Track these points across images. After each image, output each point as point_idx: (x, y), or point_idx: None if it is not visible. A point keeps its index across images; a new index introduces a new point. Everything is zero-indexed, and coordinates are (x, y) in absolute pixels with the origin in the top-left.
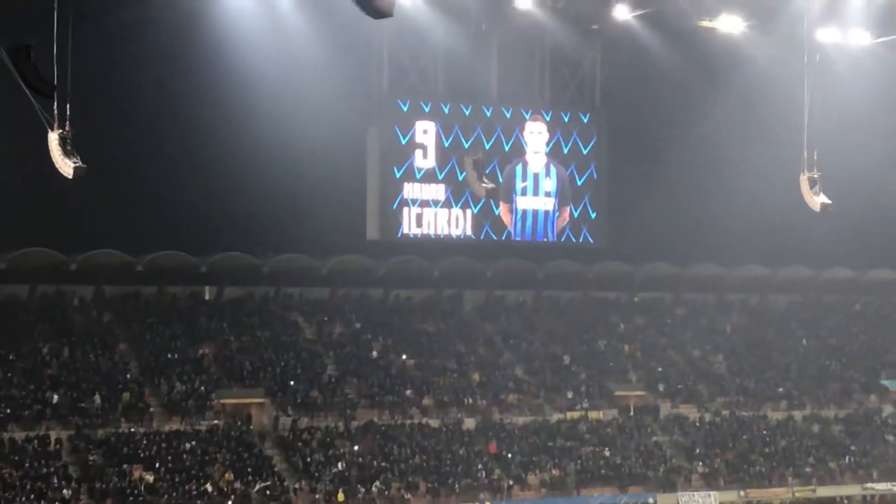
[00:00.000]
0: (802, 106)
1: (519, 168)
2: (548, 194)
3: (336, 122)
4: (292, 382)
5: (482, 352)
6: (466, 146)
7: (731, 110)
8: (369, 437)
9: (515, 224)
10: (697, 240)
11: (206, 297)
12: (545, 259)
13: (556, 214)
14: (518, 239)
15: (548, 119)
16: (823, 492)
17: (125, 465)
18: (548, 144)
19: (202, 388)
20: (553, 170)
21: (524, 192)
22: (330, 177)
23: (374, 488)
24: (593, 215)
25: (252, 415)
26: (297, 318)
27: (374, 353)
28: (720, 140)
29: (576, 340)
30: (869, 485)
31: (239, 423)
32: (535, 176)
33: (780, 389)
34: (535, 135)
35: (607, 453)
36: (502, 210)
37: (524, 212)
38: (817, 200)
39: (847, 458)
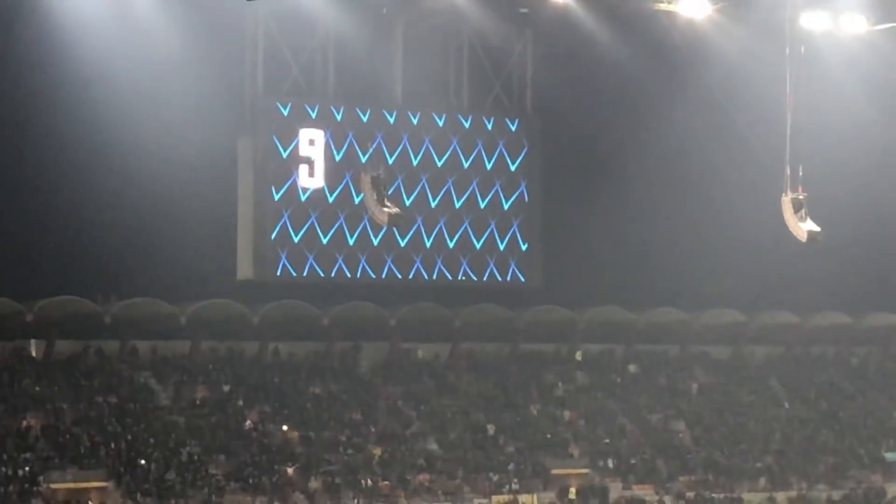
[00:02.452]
0: (784, 109)
1: None
2: None
3: (198, 131)
4: (142, 461)
5: (384, 420)
6: (364, 160)
7: (695, 115)
8: None
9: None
10: (655, 278)
11: (32, 353)
12: (464, 303)
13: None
14: (435, 277)
15: (467, 127)
16: None
17: None
18: (467, 159)
19: (26, 469)
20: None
21: None
22: (191, 201)
23: None
24: (524, 247)
25: (91, 503)
26: (149, 380)
27: (248, 424)
28: (683, 153)
29: (502, 406)
30: None
31: None
32: None
33: (759, 465)
34: None
35: None
36: None
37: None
38: (803, 228)
39: None
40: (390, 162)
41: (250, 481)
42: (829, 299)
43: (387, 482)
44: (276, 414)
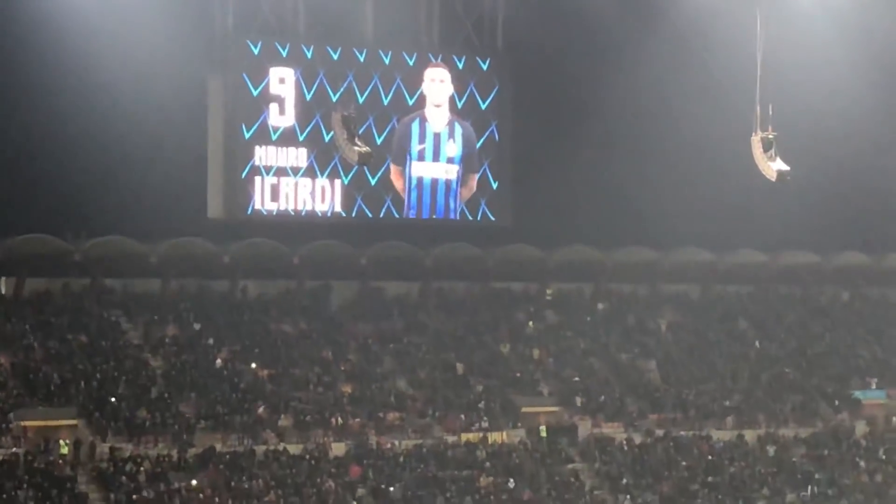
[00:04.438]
0: (755, 49)
1: (416, 125)
2: (451, 160)
3: (168, 69)
4: (113, 399)
5: (355, 359)
6: (334, 99)
7: (666, 55)
8: (211, 468)
9: (409, 195)
10: (625, 218)
11: (2, 290)
12: (434, 242)
13: (461, 185)
14: (411, 216)
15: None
16: None
17: None
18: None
19: None
20: (458, 129)
21: (421, 157)
22: (161, 139)
23: None
24: (495, 186)
25: (61, 441)
26: (119, 318)
27: (218, 362)
28: (653, 92)
29: (473, 344)
30: None
31: (44, 451)
32: (436, 136)
33: (727, 404)
34: (438, 84)
35: (511, 485)
36: (392, 174)
37: (420, 181)
38: (773, 167)
39: (810, 488)
40: (361, 101)
41: (221, 420)
42: (798, 238)
43: (357, 420)
44: (247, 352)
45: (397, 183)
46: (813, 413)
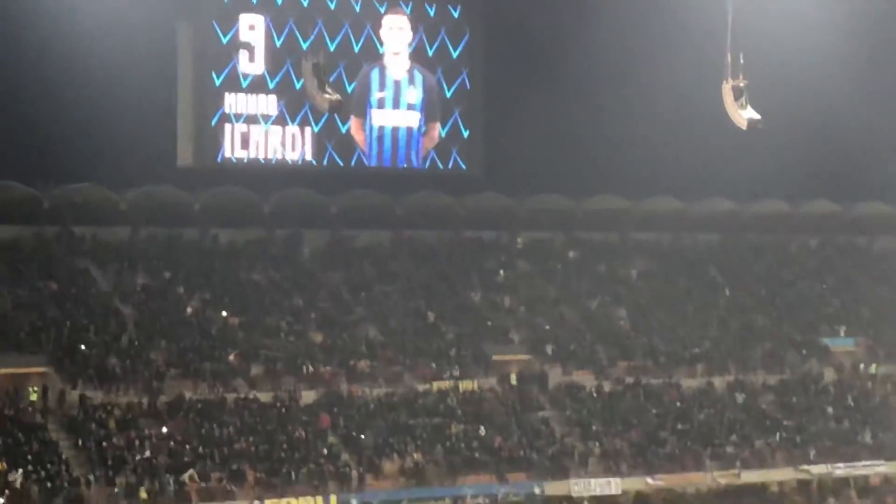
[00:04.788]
0: None
1: (375, 73)
2: (411, 107)
3: (137, 16)
4: (83, 347)
5: (326, 307)
6: (305, 47)
7: (639, 3)
8: (181, 416)
9: (370, 146)
10: (596, 166)
11: None
12: (405, 190)
13: (422, 133)
14: (373, 165)
15: (408, 12)
16: (749, 476)
17: None
18: (411, 45)
19: None
20: (418, 77)
21: (381, 105)
22: (130, 87)
23: (187, 479)
24: (466, 134)
25: (31, 388)
26: (89, 266)
27: (188, 310)
28: (625, 41)
29: (444, 292)
30: (805, 467)
31: (14, 398)
32: (396, 84)
33: (697, 351)
34: (396, 31)
35: (483, 432)
36: (353, 127)
37: (381, 130)
38: (743, 115)
39: (778, 435)
40: (331, 48)
41: (191, 368)
42: (768, 187)
43: (328, 368)
44: (217, 300)
45: (358, 136)
46: (782, 360)
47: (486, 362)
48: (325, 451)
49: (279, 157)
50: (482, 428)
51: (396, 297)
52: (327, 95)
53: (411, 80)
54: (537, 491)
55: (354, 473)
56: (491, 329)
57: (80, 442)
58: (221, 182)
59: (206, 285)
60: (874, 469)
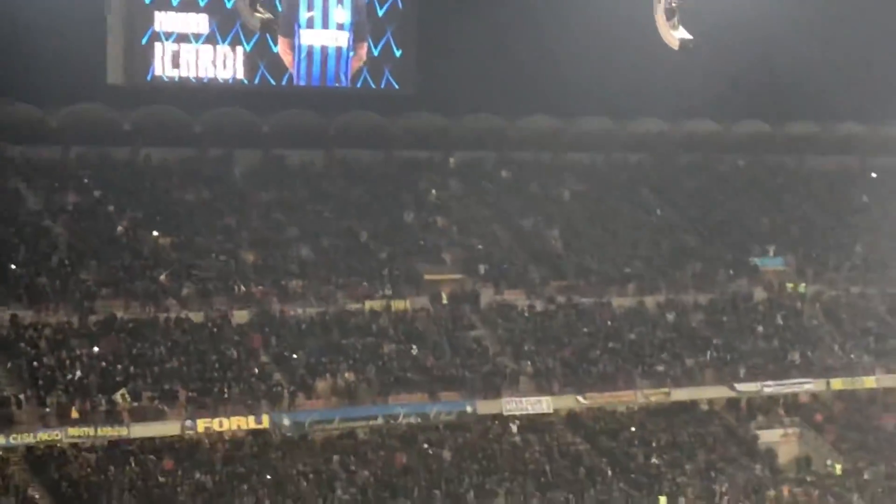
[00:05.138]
0: None
1: None
2: (340, 27)
3: None
4: (13, 267)
5: (257, 227)
6: None
7: None
8: (113, 336)
9: (298, 65)
10: (528, 86)
11: None
12: (337, 110)
13: (351, 53)
14: (302, 84)
15: None
16: (680, 395)
17: None
18: None
19: None
20: None
21: (310, 24)
22: (59, 3)
23: (119, 399)
24: (398, 53)
25: None
26: (18, 185)
27: (119, 229)
28: None
29: (376, 212)
30: (735, 385)
31: None
32: (324, 3)
33: (628, 270)
34: None
35: (415, 352)
36: (281, 47)
37: (310, 49)
38: (675, 36)
39: (709, 353)
40: None
41: (122, 287)
42: (700, 107)
43: (260, 288)
44: (148, 220)
45: (286, 57)
46: (712, 280)
47: (418, 282)
48: (258, 371)
49: (210, 76)
50: (414, 347)
51: (329, 217)
52: (258, 14)
53: (339, 0)
54: (469, 409)
55: (286, 393)
56: (423, 249)
57: (10, 362)
58: (152, 101)
59: (138, 204)
60: (802, 387)
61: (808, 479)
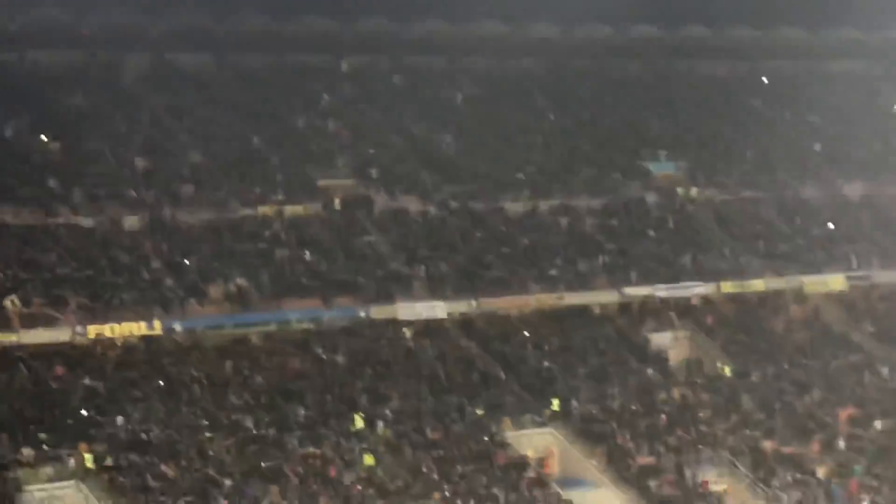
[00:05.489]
0: None
1: None
2: None
3: None
4: None
5: (148, 132)
6: None
7: None
8: (3, 242)
9: None
10: None
11: None
12: (228, 12)
13: None
14: None
15: None
16: (573, 299)
17: None
18: None
19: None
20: None
21: None
22: None
23: (9, 304)
24: None
25: None
26: None
27: (7, 134)
28: None
29: (268, 117)
30: (627, 289)
31: None
32: None
33: (521, 176)
34: None
35: (308, 258)
36: None
37: None
38: None
39: (601, 257)
40: None
41: (12, 193)
42: (592, 12)
43: (150, 193)
44: (36, 124)
45: None
46: (604, 185)
47: (310, 188)
48: (149, 277)
49: None
50: (307, 253)
51: (220, 122)
52: None
53: None
54: (363, 315)
55: (179, 299)
56: (316, 154)
57: None
58: (39, 3)
59: (24, 109)
60: (693, 290)
61: (699, 381)
